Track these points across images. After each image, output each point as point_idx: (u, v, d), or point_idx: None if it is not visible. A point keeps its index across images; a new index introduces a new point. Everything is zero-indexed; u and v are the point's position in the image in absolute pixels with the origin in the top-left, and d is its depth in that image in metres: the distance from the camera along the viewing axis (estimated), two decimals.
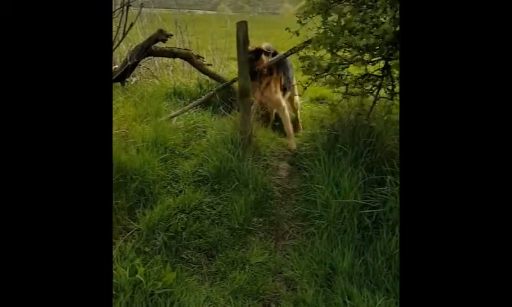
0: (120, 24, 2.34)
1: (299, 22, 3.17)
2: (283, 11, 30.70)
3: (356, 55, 3.02)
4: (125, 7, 2.26)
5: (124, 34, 2.34)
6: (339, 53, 3.07)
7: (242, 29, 3.26)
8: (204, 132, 3.84)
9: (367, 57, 3.07)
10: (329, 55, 3.02)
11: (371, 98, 3.50)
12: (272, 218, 3.00)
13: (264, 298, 2.45)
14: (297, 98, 4.28)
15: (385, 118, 3.17)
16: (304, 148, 3.59)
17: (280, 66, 3.87)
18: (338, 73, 3.27)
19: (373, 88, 3.26)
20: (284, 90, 3.97)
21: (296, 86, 4.17)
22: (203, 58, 5.26)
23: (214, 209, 2.95)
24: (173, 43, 5.90)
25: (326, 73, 3.24)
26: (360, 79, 3.38)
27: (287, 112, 3.90)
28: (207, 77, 5.16)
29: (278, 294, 2.48)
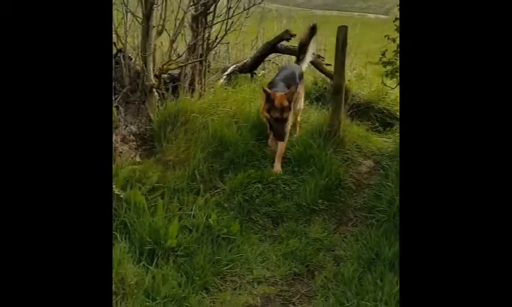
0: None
1: (397, 30, 3.36)
2: None
3: None
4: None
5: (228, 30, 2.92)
6: None
7: (342, 32, 3.59)
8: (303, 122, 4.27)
9: None
10: None
11: None
12: (339, 205, 3.30)
13: (309, 265, 2.80)
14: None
15: None
16: (390, 149, 3.74)
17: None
18: None
19: None
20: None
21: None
22: (322, 58, 5.66)
23: (289, 186, 3.39)
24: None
25: None
26: None
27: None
28: (323, 76, 5.55)
29: (323, 266, 2.80)
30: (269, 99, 3.46)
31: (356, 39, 7.15)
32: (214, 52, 6.29)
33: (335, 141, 3.67)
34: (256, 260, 2.80)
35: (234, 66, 5.60)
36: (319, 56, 5.65)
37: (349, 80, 5.44)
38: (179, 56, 4.08)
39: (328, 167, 3.42)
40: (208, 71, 5.07)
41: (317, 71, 5.59)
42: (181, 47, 4.44)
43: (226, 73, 5.29)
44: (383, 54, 3.42)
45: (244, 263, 2.75)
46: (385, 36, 3.46)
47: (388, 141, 4.04)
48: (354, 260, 2.76)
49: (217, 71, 5.44)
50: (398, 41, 3.28)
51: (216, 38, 4.22)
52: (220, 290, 2.55)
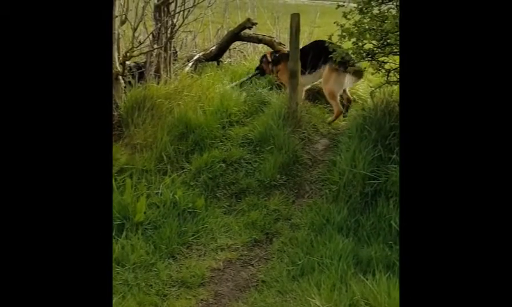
0: None
1: (344, 16, 3.65)
2: None
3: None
4: None
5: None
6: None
7: (294, 20, 3.85)
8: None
9: None
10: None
11: None
12: (297, 179, 3.59)
13: (268, 233, 3.09)
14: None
15: None
16: (344, 128, 4.06)
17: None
18: (380, 60, 3.68)
19: None
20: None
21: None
22: (284, 45, 5.93)
23: (251, 164, 3.66)
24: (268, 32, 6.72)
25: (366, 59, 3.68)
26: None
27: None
28: None
29: (281, 232, 3.09)
30: None
31: (324, 28, 7.48)
32: (180, 42, 6.48)
33: (293, 121, 3.95)
34: (220, 230, 3.06)
35: (200, 54, 5.81)
36: (280, 43, 5.92)
37: None
38: (140, 43, 4.26)
39: (286, 145, 3.70)
40: (176, 59, 5.25)
41: None
42: (145, 36, 4.61)
43: (192, 61, 5.48)
44: (329, 39, 3.69)
45: (208, 233, 3.02)
46: (334, 23, 3.73)
47: (343, 121, 4.35)
48: (308, 226, 3.06)
49: (184, 60, 5.63)
50: (345, 26, 3.57)
51: (174, 25, 4.41)
52: (186, 257, 2.81)
